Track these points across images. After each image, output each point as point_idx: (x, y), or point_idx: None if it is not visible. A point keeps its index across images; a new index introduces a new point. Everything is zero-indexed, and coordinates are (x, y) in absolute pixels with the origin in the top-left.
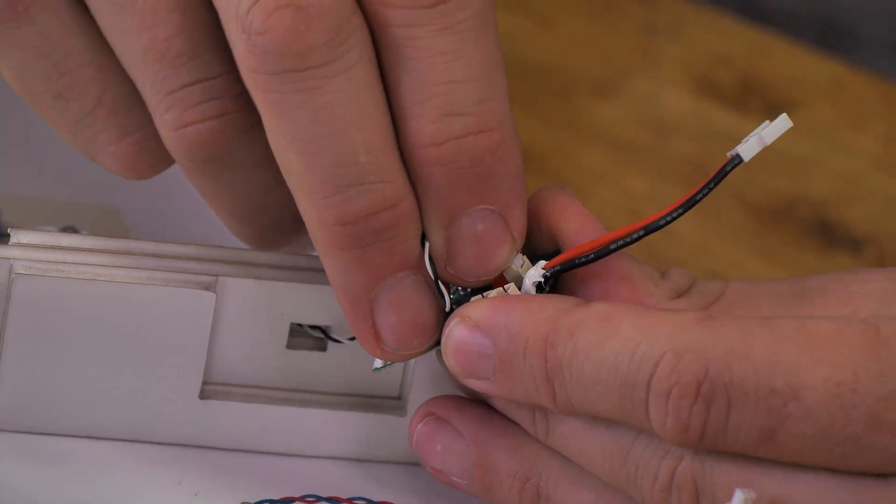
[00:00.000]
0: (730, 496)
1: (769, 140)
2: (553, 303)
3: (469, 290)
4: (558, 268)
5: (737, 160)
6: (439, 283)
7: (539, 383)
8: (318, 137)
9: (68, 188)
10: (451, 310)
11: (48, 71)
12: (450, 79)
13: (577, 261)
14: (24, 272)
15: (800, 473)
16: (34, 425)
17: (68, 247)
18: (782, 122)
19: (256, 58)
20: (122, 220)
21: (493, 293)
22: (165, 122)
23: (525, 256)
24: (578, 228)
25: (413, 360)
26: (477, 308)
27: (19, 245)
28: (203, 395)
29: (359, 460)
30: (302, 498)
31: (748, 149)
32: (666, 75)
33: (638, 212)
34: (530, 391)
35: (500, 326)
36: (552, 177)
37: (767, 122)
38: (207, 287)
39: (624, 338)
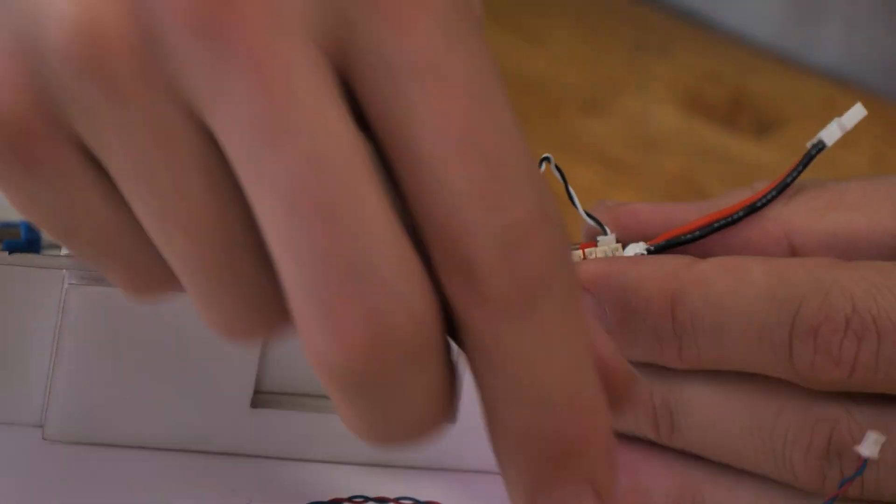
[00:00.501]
0: None
1: (849, 126)
2: (669, 259)
3: None
4: (662, 244)
5: (820, 145)
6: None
7: (665, 340)
8: None
9: None
10: None
11: (60, 222)
12: (532, 383)
13: (681, 238)
14: (77, 283)
15: None
16: (87, 436)
17: None
18: (858, 111)
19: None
20: None
21: (595, 253)
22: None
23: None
24: (671, 217)
25: (462, 367)
26: (584, 270)
27: (71, 256)
28: (254, 404)
29: (409, 467)
30: (350, 499)
31: (830, 134)
32: (655, 92)
33: None
34: (651, 349)
35: (614, 286)
36: None
37: (838, 118)
38: None
39: (758, 284)
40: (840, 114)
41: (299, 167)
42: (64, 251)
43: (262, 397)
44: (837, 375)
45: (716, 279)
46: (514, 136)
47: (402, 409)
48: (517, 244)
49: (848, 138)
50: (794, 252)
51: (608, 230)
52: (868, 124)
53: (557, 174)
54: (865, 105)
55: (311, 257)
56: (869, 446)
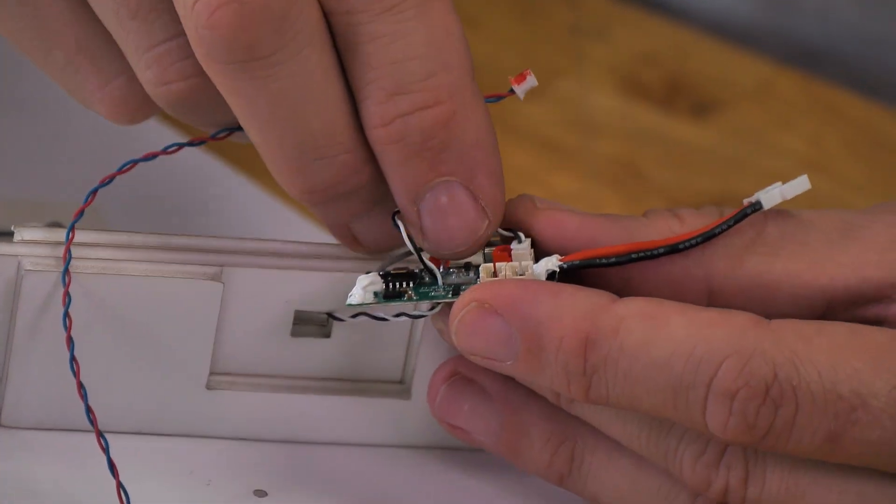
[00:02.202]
0: (780, 489)
1: (789, 195)
2: (586, 296)
3: (469, 266)
4: (577, 263)
5: (757, 206)
6: (423, 258)
7: (573, 377)
8: (275, 119)
9: (43, 188)
10: (442, 285)
11: (30, 19)
12: (392, 59)
13: (596, 261)
14: (32, 268)
15: (850, 479)
16: (44, 421)
17: (73, 242)
18: (802, 182)
19: (205, 49)
20: (100, 216)
21: (505, 269)
22: (147, 79)
23: (529, 241)
24: (594, 234)
25: (416, 344)
26: (496, 292)
27: (25, 242)
28: (210, 386)
29: (365, 445)
30: None
31: (769, 199)
32: (592, 75)
33: None
34: (559, 382)
35: (528, 317)
36: None
37: (780, 183)
38: (214, 277)
39: (676, 338)
40: (776, 95)
41: None
42: (17, 237)
43: (217, 379)
44: (749, 438)
45: (633, 327)
46: None
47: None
48: None
49: (785, 121)
50: (712, 293)
51: (523, 237)
52: (805, 107)
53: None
54: (803, 87)
55: None
56: None
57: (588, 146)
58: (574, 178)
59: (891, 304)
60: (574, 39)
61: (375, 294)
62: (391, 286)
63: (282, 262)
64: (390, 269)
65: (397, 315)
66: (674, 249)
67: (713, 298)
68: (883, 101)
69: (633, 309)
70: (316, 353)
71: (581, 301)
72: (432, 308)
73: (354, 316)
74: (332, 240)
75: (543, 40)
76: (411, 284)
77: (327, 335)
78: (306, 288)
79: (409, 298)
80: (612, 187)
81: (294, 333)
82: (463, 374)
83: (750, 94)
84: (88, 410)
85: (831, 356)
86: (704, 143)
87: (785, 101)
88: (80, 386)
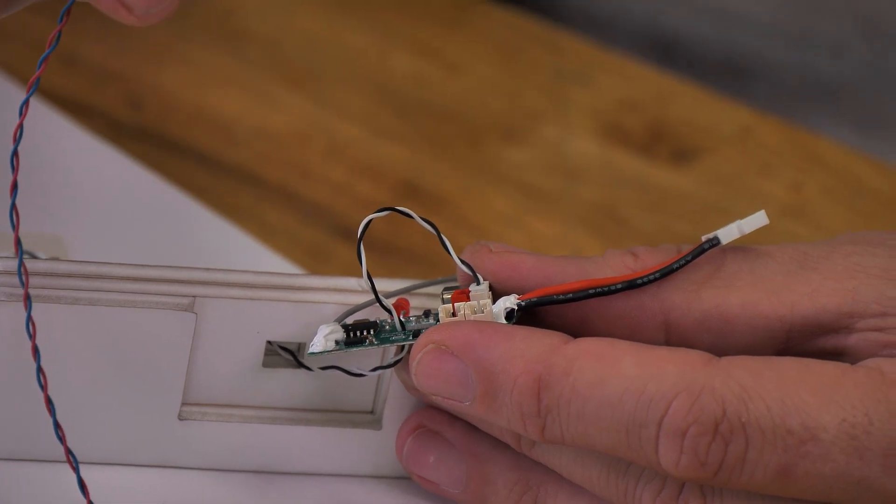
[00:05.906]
0: None
1: (747, 230)
2: (539, 338)
3: (428, 313)
4: (535, 300)
5: (715, 241)
6: (381, 299)
7: (528, 417)
8: None
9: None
10: (404, 330)
11: None
12: None
13: (554, 297)
14: (5, 299)
15: None
16: (16, 451)
17: (45, 272)
18: (760, 218)
19: None
20: (63, 247)
21: (463, 308)
22: None
23: (488, 283)
24: (552, 273)
25: (387, 375)
26: (452, 335)
27: None
28: (182, 417)
29: (337, 475)
30: None
31: (727, 234)
32: (574, 121)
33: None
34: (515, 422)
35: (482, 360)
36: (462, 221)
37: (739, 220)
38: (187, 308)
39: (627, 376)
40: (757, 142)
41: None
42: None
43: (189, 409)
44: (701, 475)
45: (585, 367)
46: None
47: None
48: None
49: (766, 167)
50: (669, 328)
51: (481, 279)
52: (786, 153)
53: (428, 227)
54: (784, 134)
55: None
56: None
57: (569, 191)
58: (555, 223)
59: (850, 334)
60: (556, 85)
61: (337, 342)
62: (352, 334)
63: (254, 293)
64: (350, 320)
65: (373, 370)
66: (632, 285)
67: (670, 333)
68: (863, 146)
69: (584, 349)
70: (287, 384)
71: (534, 343)
72: (401, 351)
73: (325, 368)
74: (302, 271)
75: (526, 85)
76: (371, 332)
77: (298, 365)
78: (277, 318)
79: (370, 344)
80: (593, 232)
81: (266, 364)
82: (428, 427)
83: (730, 140)
84: (57, 426)
85: (780, 390)
86: (685, 188)
87: (765, 148)
88: (49, 400)
